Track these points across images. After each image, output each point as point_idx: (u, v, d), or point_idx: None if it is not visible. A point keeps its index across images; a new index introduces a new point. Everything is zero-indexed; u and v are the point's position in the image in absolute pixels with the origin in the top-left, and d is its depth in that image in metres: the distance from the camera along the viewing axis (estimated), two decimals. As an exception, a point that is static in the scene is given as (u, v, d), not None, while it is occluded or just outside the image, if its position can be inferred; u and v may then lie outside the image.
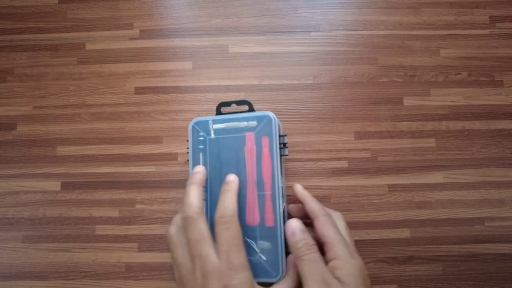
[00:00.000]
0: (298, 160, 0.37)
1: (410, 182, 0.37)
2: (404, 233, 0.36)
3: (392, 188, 0.36)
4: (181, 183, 0.37)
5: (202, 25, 0.41)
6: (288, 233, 0.28)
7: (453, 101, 0.38)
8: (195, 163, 0.32)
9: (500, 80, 0.39)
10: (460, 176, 0.37)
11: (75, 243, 0.36)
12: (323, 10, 0.41)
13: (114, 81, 0.39)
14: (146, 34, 0.40)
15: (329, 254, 0.27)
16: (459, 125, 0.38)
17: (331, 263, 0.27)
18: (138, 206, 0.36)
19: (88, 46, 0.40)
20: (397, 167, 0.37)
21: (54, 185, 0.37)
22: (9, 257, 0.36)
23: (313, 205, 0.30)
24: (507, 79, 0.39)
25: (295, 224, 0.28)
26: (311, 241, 0.27)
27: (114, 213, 0.36)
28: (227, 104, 0.34)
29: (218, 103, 0.34)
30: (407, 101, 0.38)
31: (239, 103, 0.34)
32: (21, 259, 0.36)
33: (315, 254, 0.26)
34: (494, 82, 0.39)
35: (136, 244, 0.36)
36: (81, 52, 0.40)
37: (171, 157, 0.37)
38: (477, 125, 0.38)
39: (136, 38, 0.40)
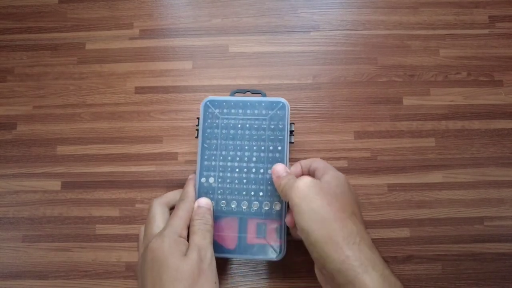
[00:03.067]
0: (298, 159, 0.37)
1: (409, 182, 0.37)
2: (404, 232, 0.36)
3: (392, 187, 0.37)
4: (181, 183, 0.37)
5: (202, 25, 0.41)
6: (274, 177, 0.29)
7: (452, 101, 0.38)
8: (204, 140, 0.33)
9: (499, 80, 0.39)
10: (460, 176, 0.37)
11: (75, 242, 0.36)
12: (322, 10, 0.41)
13: (114, 80, 0.39)
14: (146, 33, 0.40)
15: (319, 173, 0.29)
16: (458, 124, 0.38)
17: (322, 177, 0.28)
18: (138, 206, 0.37)
19: (88, 46, 0.40)
20: (397, 166, 0.37)
21: (54, 184, 0.37)
22: (9, 257, 0.36)
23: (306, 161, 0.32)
24: (506, 78, 0.39)
25: (280, 168, 0.30)
26: (292, 175, 0.29)
27: (114, 212, 0.36)
28: (242, 91, 0.35)
29: (232, 90, 0.35)
30: (407, 101, 0.38)
31: (254, 91, 0.35)
32: (21, 259, 0.36)
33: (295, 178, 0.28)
34: (493, 81, 0.39)
35: (136, 244, 0.36)
36: (81, 51, 0.40)
37: (171, 156, 0.37)
38: (476, 124, 0.38)
39: (136, 38, 0.40)
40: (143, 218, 0.36)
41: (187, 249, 0.26)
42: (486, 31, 0.40)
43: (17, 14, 0.41)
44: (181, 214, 0.28)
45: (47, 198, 0.37)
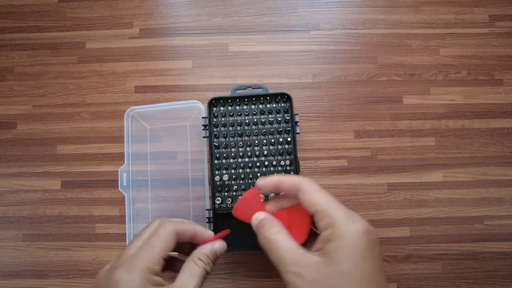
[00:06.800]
0: (298, 158, 0.37)
1: (409, 181, 0.37)
2: (404, 231, 0.36)
3: (392, 186, 0.37)
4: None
5: (202, 24, 0.41)
6: (253, 225, 0.24)
7: (452, 100, 0.38)
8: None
9: (499, 79, 0.39)
10: (460, 175, 0.37)
11: (75, 241, 0.36)
12: (322, 9, 0.41)
13: (114, 80, 0.39)
14: (146, 33, 0.40)
15: (323, 224, 0.22)
16: (458, 123, 0.38)
17: (324, 234, 0.21)
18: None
19: (88, 45, 0.40)
20: (397, 165, 0.37)
21: (54, 183, 0.37)
22: (10, 256, 0.36)
23: (289, 180, 0.24)
24: (506, 78, 0.39)
25: (258, 215, 0.24)
26: (273, 224, 0.23)
27: (114, 211, 0.36)
28: (243, 87, 0.35)
29: (234, 86, 0.35)
30: (407, 100, 0.38)
31: (255, 87, 0.35)
32: (22, 258, 0.36)
33: (277, 234, 0.22)
34: (493, 81, 0.39)
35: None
36: (81, 51, 0.40)
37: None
38: (476, 123, 0.38)
39: (136, 37, 0.40)
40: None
41: None
42: (486, 30, 0.40)
43: (17, 13, 0.41)
44: (158, 244, 0.23)
45: (47, 197, 0.37)
